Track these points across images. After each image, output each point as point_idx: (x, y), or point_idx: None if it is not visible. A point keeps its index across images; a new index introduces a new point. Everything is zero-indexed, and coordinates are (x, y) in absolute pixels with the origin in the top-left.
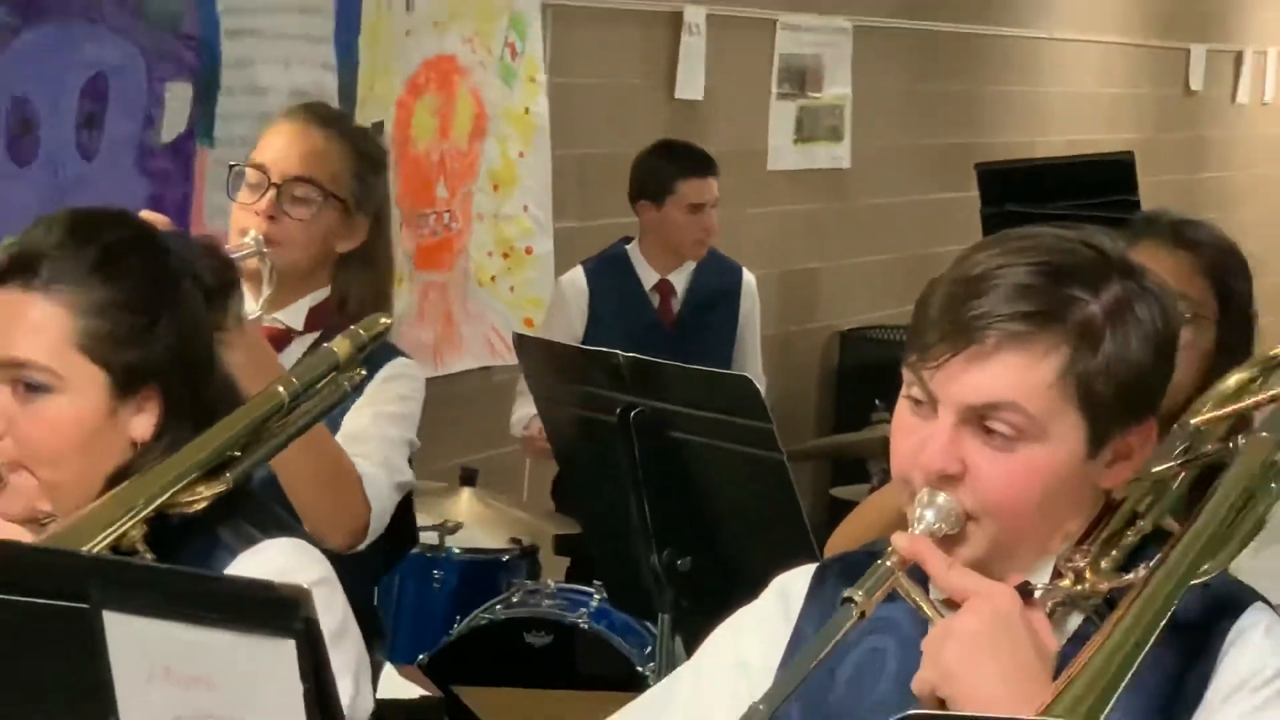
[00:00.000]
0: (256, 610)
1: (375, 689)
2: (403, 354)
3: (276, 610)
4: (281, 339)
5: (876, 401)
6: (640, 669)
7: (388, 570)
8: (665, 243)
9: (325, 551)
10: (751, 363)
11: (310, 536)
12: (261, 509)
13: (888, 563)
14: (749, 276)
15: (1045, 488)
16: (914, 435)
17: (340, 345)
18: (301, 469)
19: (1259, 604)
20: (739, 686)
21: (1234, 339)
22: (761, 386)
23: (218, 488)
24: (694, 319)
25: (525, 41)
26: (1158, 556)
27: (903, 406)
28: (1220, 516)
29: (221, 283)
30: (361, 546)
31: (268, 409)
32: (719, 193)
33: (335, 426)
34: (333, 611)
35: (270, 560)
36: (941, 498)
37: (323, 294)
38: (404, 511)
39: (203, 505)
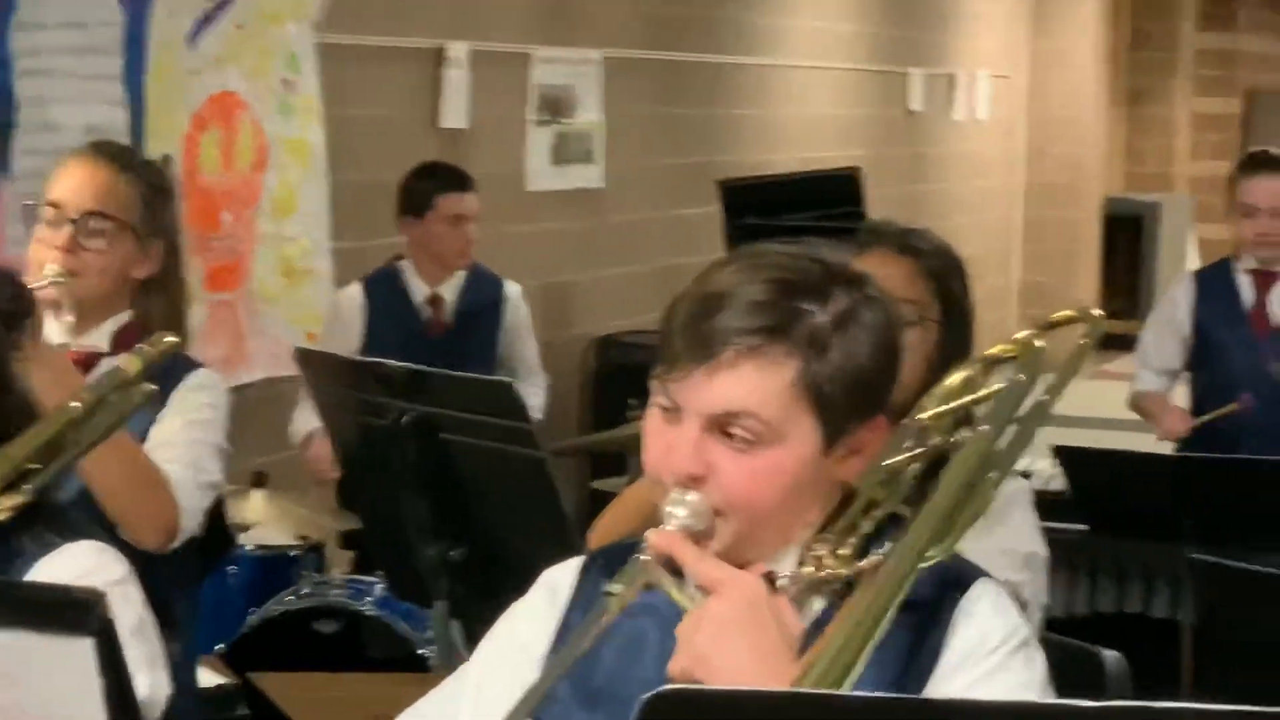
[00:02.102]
0: (56, 613)
1: (176, 677)
2: (203, 366)
3: (74, 612)
4: (90, 361)
5: (631, 401)
6: (421, 651)
7: (208, 571)
8: (430, 255)
9: (145, 553)
10: (529, 364)
11: (118, 539)
12: (62, 516)
13: (644, 557)
14: (513, 287)
15: (785, 484)
16: (664, 440)
17: (129, 362)
18: (110, 476)
19: (984, 579)
20: (519, 673)
21: (956, 339)
22: (543, 384)
23: (17, 499)
24: (462, 328)
25: (301, 77)
26: (891, 544)
27: (653, 413)
28: (946, 504)
29: (17, 307)
30: (176, 544)
31: (63, 423)
32: (479, 209)
33: (144, 439)
34: (131, 608)
35: (71, 563)
36: (691, 496)
37: (125, 317)
38: (217, 515)
39: (4, 516)
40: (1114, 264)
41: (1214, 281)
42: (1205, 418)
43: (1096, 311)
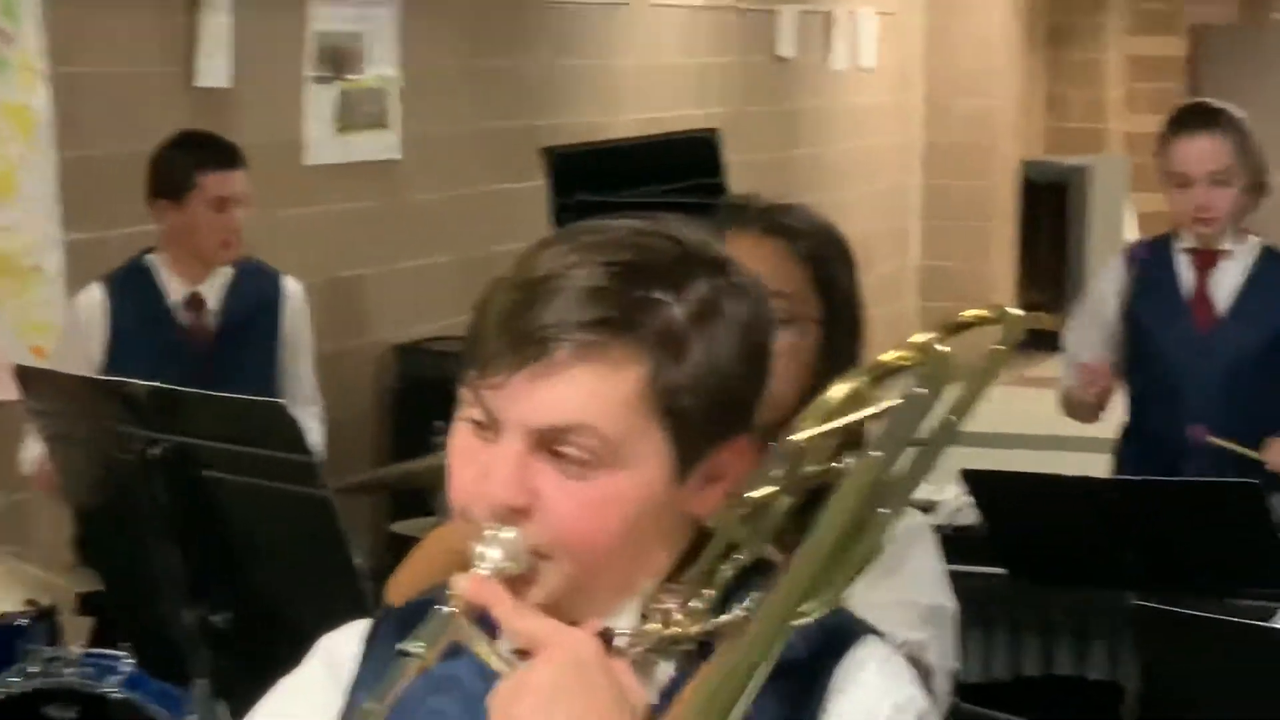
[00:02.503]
0: None
1: None
2: None
3: None
4: None
5: (437, 423)
6: None
7: None
8: (189, 248)
9: None
10: (304, 383)
11: None
12: None
13: (449, 609)
14: (293, 284)
15: (626, 518)
16: (475, 462)
17: None
18: None
19: (871, 638)
20: None
21: (840, 340)
22: (318, 408)
23: None
24: (230, 337)
25: (19, 26)
26: (757, 595)
27: (462, 429)
28: (826, 547)
29: None
30: None
31: None
32: (249, 190)
33: None
34: None
35: None
36: (508, 533)
37: None
38: None
39: None
40: (1035, 243)
41: (1148, 263)
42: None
43: (1014, 310)
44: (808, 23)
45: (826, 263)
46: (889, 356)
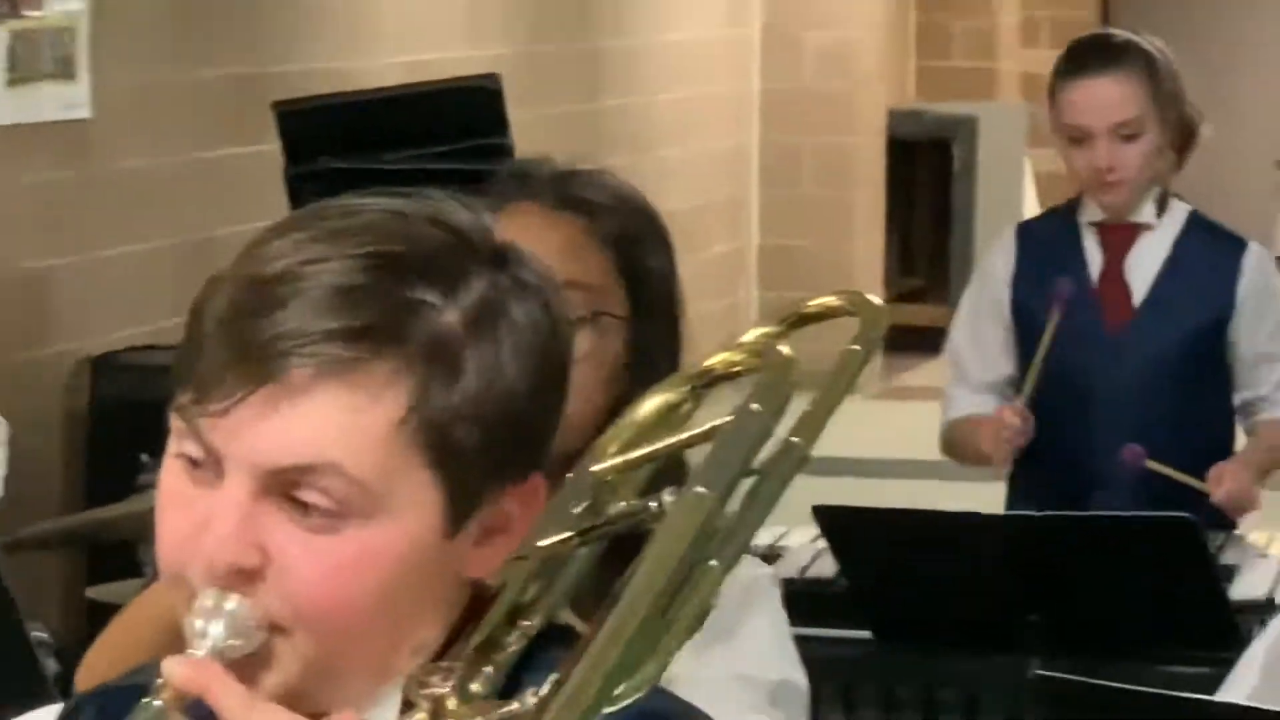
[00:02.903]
0: None
1: None
2: None
3: None
4: None
5: (144, 458)
6: None
7: None
8: None
9: None
10: None
11: None
12: None
13: (158, 701)
14: None
15: (384, 582)
16: (190, 511)
17: None
18: None
19: None
20: None
21: (653, 343)
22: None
23: None
24: None
25: None
26: (554, 677)
27: (173, 468)
28: (642, 611)
29: None
30: None
31: None
32: None
33: None
34: None
35: None
36: (233, 603)
37: None
38: None
39: None
40: (909, 216)
41: (1048, 241)
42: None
43: (874, 299)
44: None
45: (635, 244)
46: (715, 361)
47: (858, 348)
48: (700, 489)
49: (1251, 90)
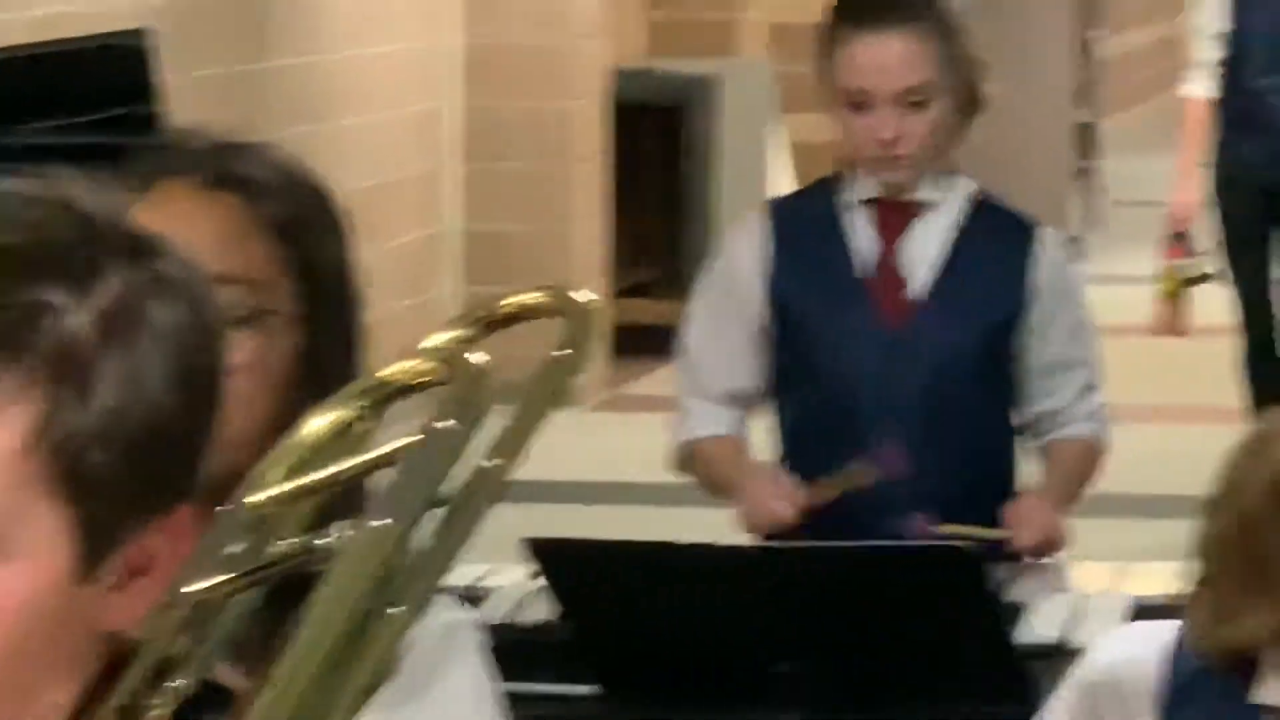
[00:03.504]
0: None
1: None
2: None
3: None
4: None
5: None
6: None
7: None
8: None
9: None
10: None
11: None
12: None
13: None
14: None
15: (4, 636)
16: None
17: None
18: None
19: None
20: None
21: (327, 348)
22: None
23: None
24: None
25: None
26: None
27: None
28: (314, 666)
29: None
30: None
31: None
32: None
33: None
34: None
35: None
36: None
37: None
38: None
39: None
40: (638, 193)
41: (805, 222)
42: (825, 489)
43: (583, 296)
44: None
45: (305, 231)
46: (396, 371)
47: (564, 354)
48: (380, 521)
49: (1040, 41)
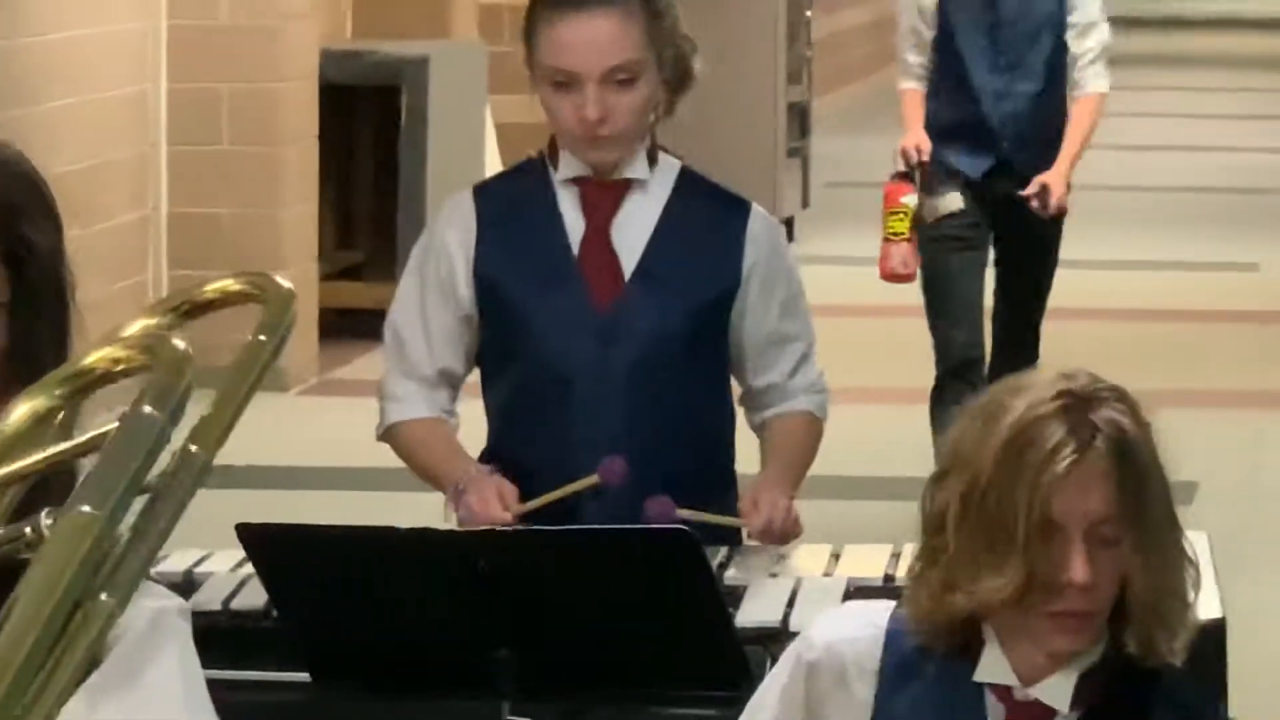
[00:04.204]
0: None
1: None
2: None
3: None
4: None
5: None
6: None
7: None
8: None
9: None
10: None
11: None
12: None
13: None
14: None
15: None
16: None
17: None
18: None
19: None
20: None
21: (35, 336)
22: None
23: None
24: None
25: None
26: None
27: None
28: (19, 659)
29: None
30: None
31: None
32: None
33: None
34: None
35: None
36: None
37: None
38: None
39: None
40: (348, 176)
41: (512, 204)
42: (546, 498)
43: (282, 281)
44: None
45: (13, 217)
46: (95, 359)
47: (263, 338)
48: (84, 509)
49: (754, 21)
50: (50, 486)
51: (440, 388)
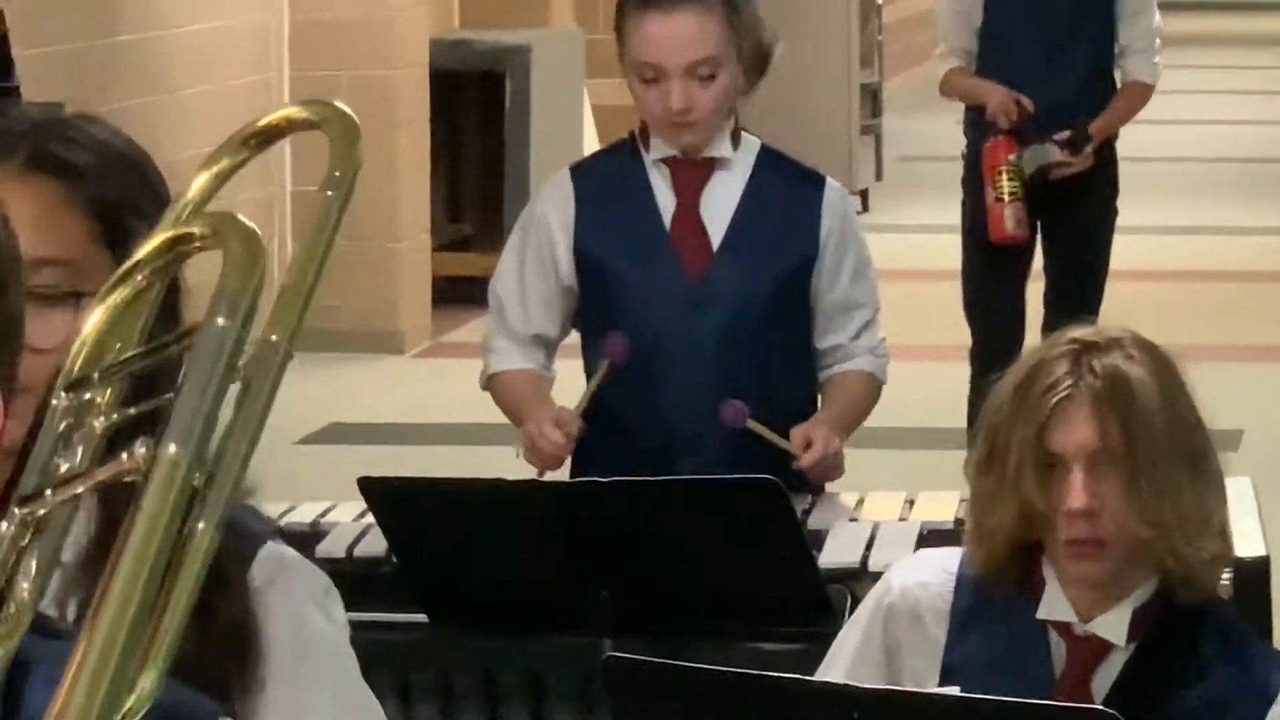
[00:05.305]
0: None
1: None
2: None
3: None
4: None
5: None
6: None
7: None
8: None
9: None
10: None
11: None
12: None
13: None
14: None
15: None
16: None
17: None
18: None
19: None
20: None
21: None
22: None
23: None
24: None
25: None
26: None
27: None
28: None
29: None
30: None
31: None
32: None
33: None
34: None
35: None
36: None
37: None
38: None
39: None
40: (456, 155)
41: (608, 182)
42: (584, 399)
43: (343, 108)
44: None
45: (123, 209)
46: (165, 237)
47: (330, 193)
48: (170, 449)
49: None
50: (156, 378)
51: (536, 347)
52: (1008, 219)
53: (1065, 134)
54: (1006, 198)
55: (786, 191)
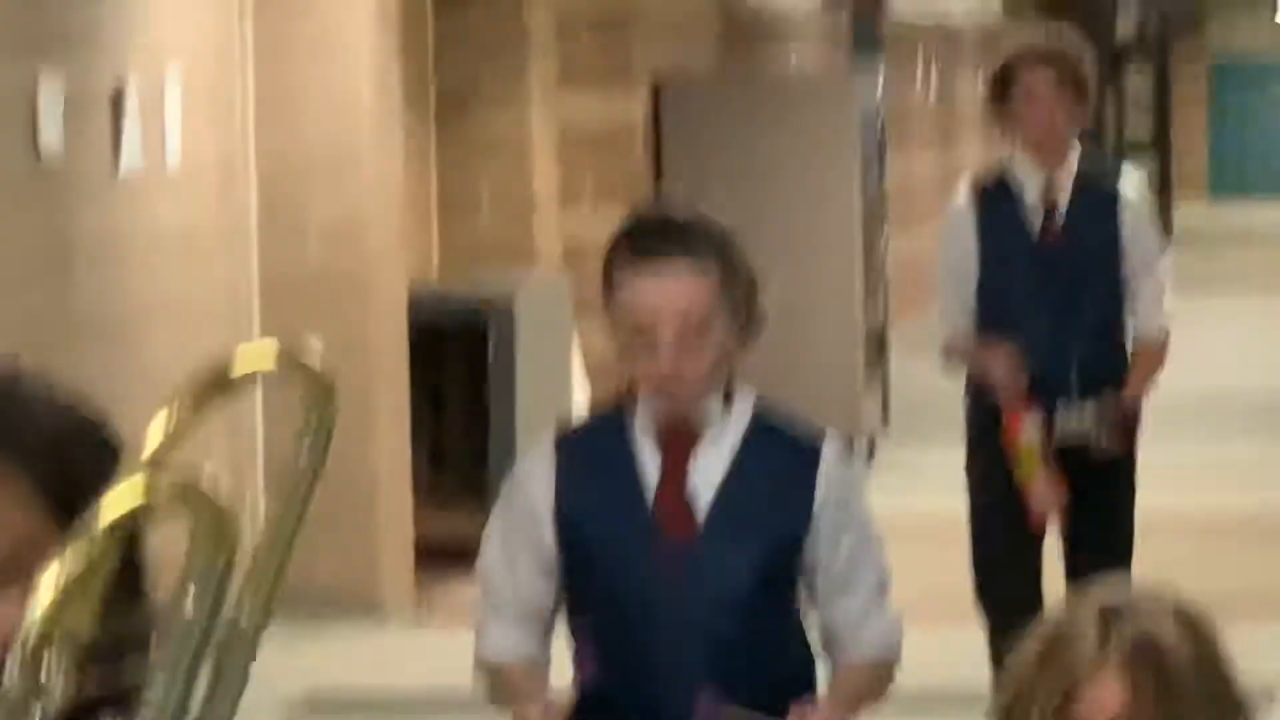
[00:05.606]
0: None
1: None
2: None
3: None
4: None
5: None
6: None
7: None
8: None
9: None
10: None
11: None
12: None
13: None
14: None
15: None
16: None
17: None
18: None
19: None
20: None
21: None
22: None
23: None
24: None
25: None
26: None
27: None
28: None
29: None
30: None
31: None
32: None
33: None
34: None
35: None
36: None
37: None
38: None
39: None
40: (439, 406)
41: (595, 453)
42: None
43: (311, 348)
44: (82, 105)
45: (75, 486)
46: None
47: (307, 439)
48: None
49: (824, 242)
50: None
51: (528, 624)
52: (1036, 503)
53: (1085, 405)
54: (1029, 479)
55: (777, 463)
